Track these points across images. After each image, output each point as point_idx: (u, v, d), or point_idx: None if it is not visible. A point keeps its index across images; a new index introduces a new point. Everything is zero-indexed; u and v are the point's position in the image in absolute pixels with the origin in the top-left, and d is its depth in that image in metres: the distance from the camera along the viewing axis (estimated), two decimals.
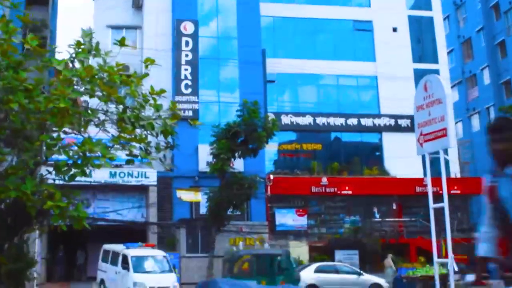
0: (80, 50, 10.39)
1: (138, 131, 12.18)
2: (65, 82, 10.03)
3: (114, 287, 24.22)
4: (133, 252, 24.22)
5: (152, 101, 12.36)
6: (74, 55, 10.41)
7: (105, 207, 32.42)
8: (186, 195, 28.27)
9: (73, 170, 10.32)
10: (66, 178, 10.52)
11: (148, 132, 12.18)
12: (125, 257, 23.90)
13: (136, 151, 12.22)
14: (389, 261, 30.51)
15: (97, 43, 11.56)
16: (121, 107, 11.03)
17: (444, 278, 19.00)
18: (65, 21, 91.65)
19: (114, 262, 24.55)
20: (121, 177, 31.45)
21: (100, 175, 30.97)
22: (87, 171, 10.83)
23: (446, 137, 13.55)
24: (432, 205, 14.29)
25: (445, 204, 13.71)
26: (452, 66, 52.92)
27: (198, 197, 28.73)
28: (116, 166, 31.60)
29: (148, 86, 11.23)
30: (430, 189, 14.34)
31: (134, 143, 12.22)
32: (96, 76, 10.46)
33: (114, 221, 31.09)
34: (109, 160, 10.48)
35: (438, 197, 37.43)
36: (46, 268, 31.44)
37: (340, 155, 37.84)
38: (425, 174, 14.26)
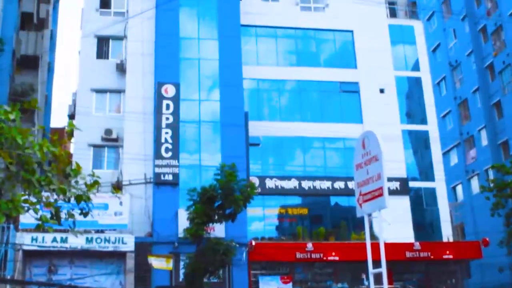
0: None
1: (48, 195, 11.80)
2: None
3: None
4: None
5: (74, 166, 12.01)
6: None
7: (83, 274, 31.54)
8: (157, 262, 27.21)
9: None
10: None
11: (60, 197, 11.80)
12: None
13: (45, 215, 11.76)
14: None
15: None
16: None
17: None
18: (56, 83, 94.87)
19: None
20: (97, 242, 30.63)
21: (77, 241, 30.27)
22: None
23: (382, 196, 12.70)
24: (371, 270, 13.33)
25: (383, 270, 12.76)
26: (450, 128, 52.16)
27: (170, 264, 27.67)
28: (98, 231, 30.96)
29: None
30: (369, 253, 13.40)
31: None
32: None
33: None
34: None
35: (430, 262, 35.67)
36: None
37: (327, 219, 36.67)
38: (368, 238, 13.29)
